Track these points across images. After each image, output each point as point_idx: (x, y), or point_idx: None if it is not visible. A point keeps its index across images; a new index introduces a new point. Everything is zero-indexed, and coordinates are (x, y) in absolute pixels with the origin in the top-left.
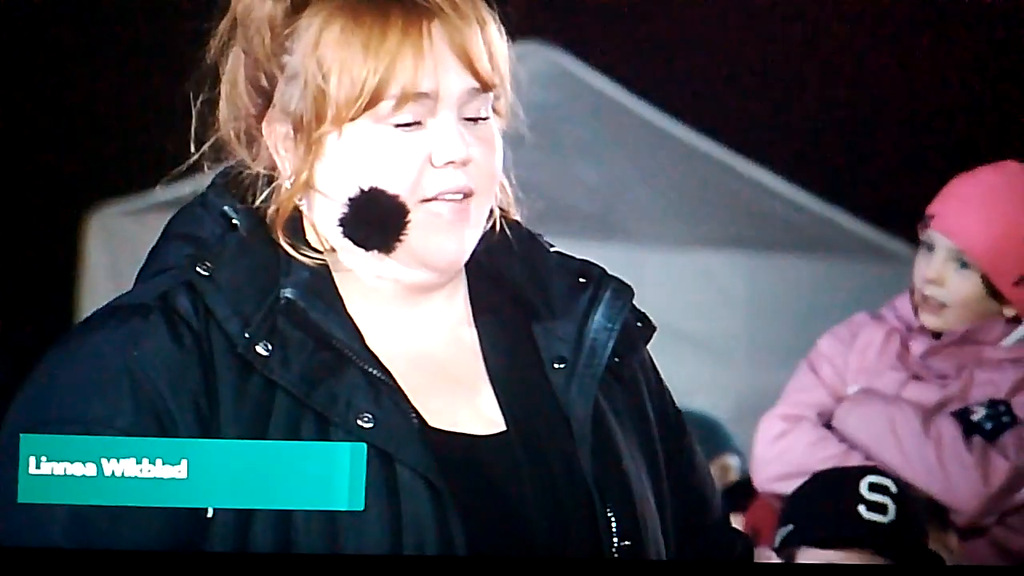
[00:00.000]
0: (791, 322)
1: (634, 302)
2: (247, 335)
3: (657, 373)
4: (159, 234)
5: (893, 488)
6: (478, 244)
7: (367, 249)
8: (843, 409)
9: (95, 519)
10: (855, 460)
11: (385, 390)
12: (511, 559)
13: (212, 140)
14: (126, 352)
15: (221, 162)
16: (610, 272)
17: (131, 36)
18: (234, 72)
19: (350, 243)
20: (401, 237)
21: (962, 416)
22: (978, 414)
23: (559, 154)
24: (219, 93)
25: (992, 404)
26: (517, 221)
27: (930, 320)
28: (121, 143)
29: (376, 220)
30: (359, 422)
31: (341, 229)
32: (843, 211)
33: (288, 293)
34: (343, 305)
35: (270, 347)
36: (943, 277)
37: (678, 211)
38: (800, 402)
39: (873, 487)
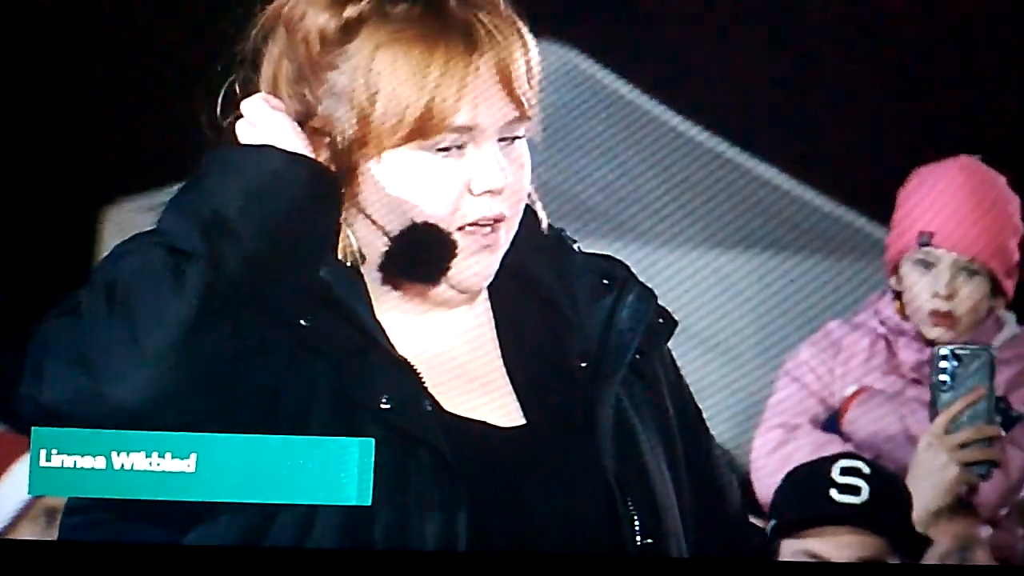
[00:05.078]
0: (802, 322)
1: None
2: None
3: (676, 368)
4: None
5: (866, 469)
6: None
7: (412, 281)
8: (852, 411)
9: None
10: None
11: (405, 372)
12: (523, 555)
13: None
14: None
15: None
16: (633, 272)
17: (148, 32)
18: (275, 73)
19: (396, 272)
20: (447, 271)
21: None
22: None
23: (573, 153)
24: (248, 81)
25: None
26: (539, 216)
27: (939, 333)
28: (137, 139)
29: (425, 255)
30: (381, 404)
31: (388, 261)
32: (855, 212)
33: (323, 272)
34: (368, 295)
35: (310, 319)
36: (955, 290)
37: (691, 211)
38: (790, 411)
39: (845, 471)
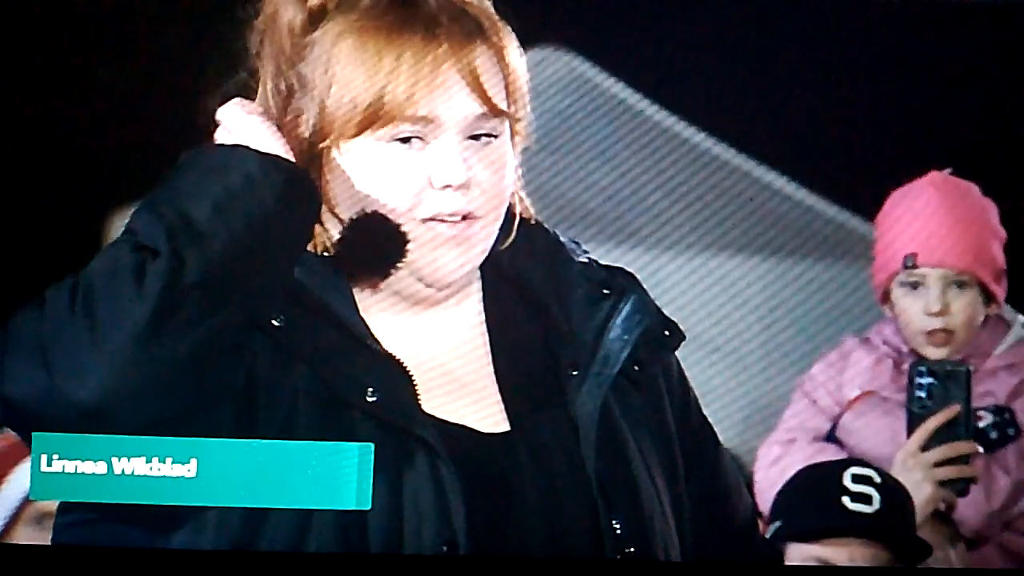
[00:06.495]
0: (806, 327)
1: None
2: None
3: (684, 380)
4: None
5: (877, 478)
6: (500, 247)
7: (363, 272)
8: (847, 418)
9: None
10: None
11: (391, 365)
12: (511, 558)
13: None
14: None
15: None
16: (638, 280)
17: (156, 38)
18: (265, 72)
19: (347, 262)
20: (399, 264)
21: None
22: (984, 420)
23: (576, 159)
24: (246, 85)
25: (998, 411)
26: (544, 226)
27: (937, 352)
28: (144, 145)
29: (374, 245)
30: (367, 397)
31: (340, 250)
32: (860, 217)
33: (296, 273)
34: (350, 291)
35: (283, 319)
36: (947, 305)
37: (694, 216)
38: (794, 427)
39: (857, 478)
